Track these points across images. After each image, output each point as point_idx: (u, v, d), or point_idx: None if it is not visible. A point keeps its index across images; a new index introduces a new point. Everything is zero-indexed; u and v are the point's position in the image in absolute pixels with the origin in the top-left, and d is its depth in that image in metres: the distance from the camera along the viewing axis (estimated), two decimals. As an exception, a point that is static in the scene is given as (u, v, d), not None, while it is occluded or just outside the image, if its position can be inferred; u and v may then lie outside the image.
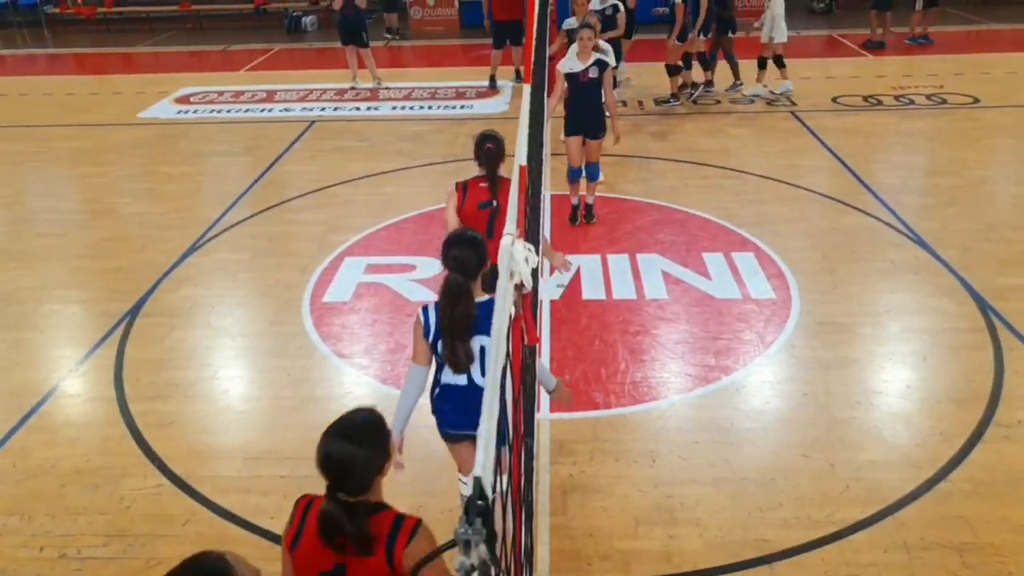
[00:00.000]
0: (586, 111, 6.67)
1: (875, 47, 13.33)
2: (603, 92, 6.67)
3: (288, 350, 5.43)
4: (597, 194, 7.22)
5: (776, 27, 10.32)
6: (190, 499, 4.11)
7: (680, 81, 10.51)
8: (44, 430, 4.72)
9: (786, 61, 10.47)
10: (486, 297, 3.11)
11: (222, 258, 6.81)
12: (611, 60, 6.95)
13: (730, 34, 10.42)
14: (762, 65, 10.63)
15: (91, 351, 5.47)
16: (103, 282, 6.46)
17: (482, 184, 4.35)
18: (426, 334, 3.14)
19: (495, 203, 4.28)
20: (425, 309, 3.17)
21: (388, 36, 16.06)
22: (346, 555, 2.14)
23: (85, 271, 6.72)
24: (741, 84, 10.79)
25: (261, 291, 6.24)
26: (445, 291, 3.00)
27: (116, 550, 3.81)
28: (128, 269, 6.61)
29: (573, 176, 6.94)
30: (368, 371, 5.16)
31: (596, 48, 6.77)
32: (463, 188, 4.37)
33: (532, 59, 3.61)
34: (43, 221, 7.75)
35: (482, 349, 3.07)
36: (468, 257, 3.05)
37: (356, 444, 2.14)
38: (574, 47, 6.70)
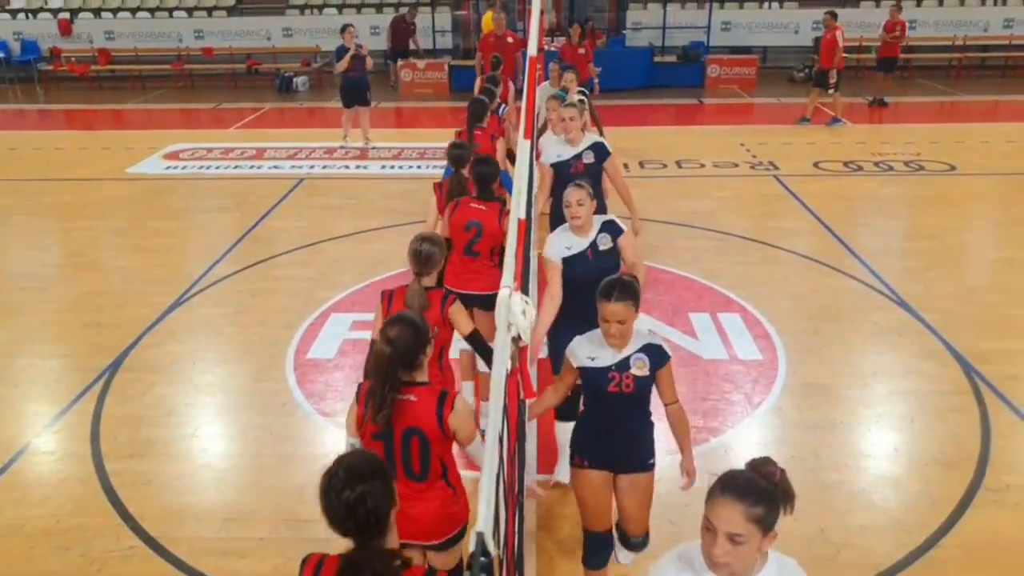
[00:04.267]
0: (621, 436, 3.35)
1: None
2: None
3: (271, 408, 5.34)
4: None
5: None
6: (164, 562, 3.97)
7: None
8: (15, 488, 4.58)
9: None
10: None
11: (206, 313, 6.74)
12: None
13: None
14: None
15: (68, 407, 5.36)
16: (84, 336, 6.36)
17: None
18: None
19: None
20: None
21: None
22: None
23: (65, 325, 6.63)
24: None
25: (245, 347, 6.17)
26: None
27: (85, 615, 3.66)
28: (110, 324, 6.53)
29: (596, 554, 3.54)
30: (351, 430, 5.08)
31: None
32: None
33: (528, 113, 3.66)
34: (24, 275, 7.67)
35: None
36: None
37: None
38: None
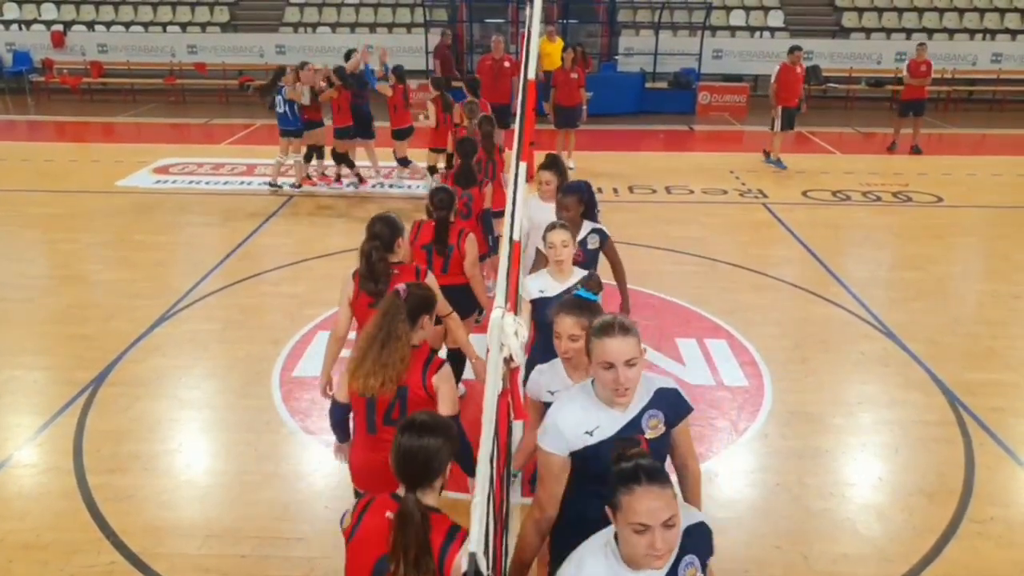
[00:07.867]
0: None
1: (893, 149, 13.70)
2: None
3: (255, 424, 5.31)
4: None
5: None
6: (144, 579, 3.93)
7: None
8: (-6, 502, 4.52)
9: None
10: None
11: (192, 328, 6.71)
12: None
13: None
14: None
15: (51, 420, 5.30)
16: (68, 349, 6.31)
17: None
18: None
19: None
20: None
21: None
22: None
23: (50, 337, 6.57)
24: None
25: (230, 363, 6.14)
26: None
27: (61, 633, 3.60)
28: (95, 337, 6.48)
29: None
30: (337, 448, 5.05)
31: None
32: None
33: (525, 136, 3.70)
34: (9, 286, 7.61)
35: None
36: None
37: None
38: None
